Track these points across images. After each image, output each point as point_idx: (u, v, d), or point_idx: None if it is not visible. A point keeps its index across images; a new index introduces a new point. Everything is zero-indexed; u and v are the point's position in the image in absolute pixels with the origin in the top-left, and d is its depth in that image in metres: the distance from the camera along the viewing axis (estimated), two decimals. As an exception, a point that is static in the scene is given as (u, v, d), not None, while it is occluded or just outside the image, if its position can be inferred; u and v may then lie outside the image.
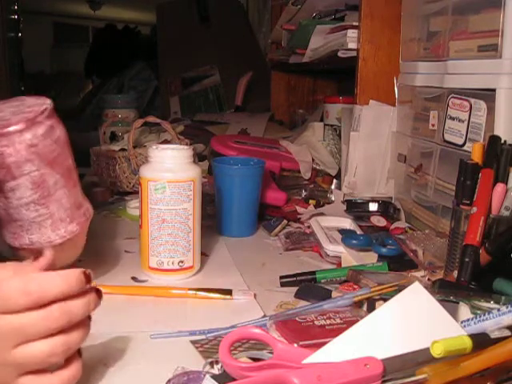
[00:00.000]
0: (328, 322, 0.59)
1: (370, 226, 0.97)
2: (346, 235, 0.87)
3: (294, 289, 0.73)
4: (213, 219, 1.01)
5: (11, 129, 0.60)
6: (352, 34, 1.16)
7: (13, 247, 0.68)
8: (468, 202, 0.69)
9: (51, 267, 0.49)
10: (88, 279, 0.47)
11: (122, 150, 1.26)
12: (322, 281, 0.75)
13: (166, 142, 1.33)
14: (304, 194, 1.21)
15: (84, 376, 0.52)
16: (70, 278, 0.46)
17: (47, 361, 0.45)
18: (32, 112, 0.62)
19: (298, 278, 0.76)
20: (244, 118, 1.73)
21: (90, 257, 0.78)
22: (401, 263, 0.79)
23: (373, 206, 0.99)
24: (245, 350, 0.55)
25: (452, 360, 0.45)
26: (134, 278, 0.77)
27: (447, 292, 0.61)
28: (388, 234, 0.90)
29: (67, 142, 0.67)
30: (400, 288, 0.59)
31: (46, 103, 0.64)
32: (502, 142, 0.71)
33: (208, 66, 2.22)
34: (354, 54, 1.15)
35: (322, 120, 1.52)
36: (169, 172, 0.75)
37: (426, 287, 0.53)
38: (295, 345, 0.53)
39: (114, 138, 1.48)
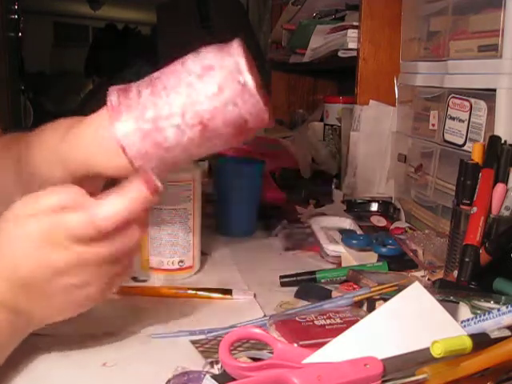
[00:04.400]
0: (328, 321, 0.59)
1: (370, 226, 0.97)
2: (346, 235, 0.87)
3: (294, 289, 0.73)
4: (213, 219, 1.00)
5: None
6: (352, 33, 1.16)
7: None
8: (468, 202, 0.69)
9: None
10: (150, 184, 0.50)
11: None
12: (322, 281, 0.75)
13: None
14: (304, 193, 1.21)
15: (83, 376, 0.53)
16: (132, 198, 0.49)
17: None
18: None
19: (298, 278, 0.75)
20: (244, 117, 1.73)
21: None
22: (401, 263, 0.79)
23: (373, 206, 0.99)
24: (245, 350, 0.55)
25: (452, 360, 0.45)
26: (134, 278, 0.77)
27: (447, 292, 0.61)
28: (388, 234, 0.90)
29: None
30: (400, 288, 0.59)
31: None
32: (503, 142, 0.71)
33: (208, 66, 2.21)
34: (354, 53, 1.15)
35: (321, 120, 1.52)
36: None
37: (425, 287, 0.53)
38: (295, 345, 0.53)
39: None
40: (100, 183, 0.60)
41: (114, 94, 0.54)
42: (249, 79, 0.52)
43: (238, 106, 0.52)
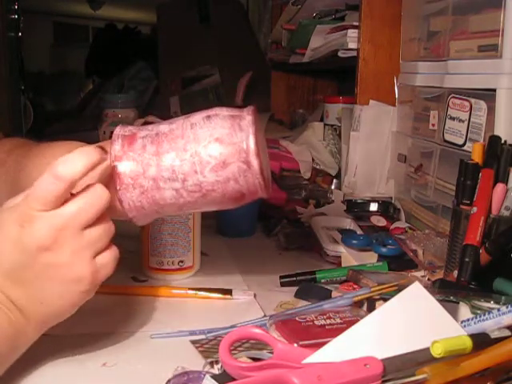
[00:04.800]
0: (328, 321, 0.59)
1: (370, 226, 0.97)
2: (346, 235, 0.87)
3: (294, 289, 0.73)
4: (213, 219, 1.00)
5: None
6: (352, 33, 1.16)
7: None
8: (468, 201, 0.69)
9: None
10: (104, 150, 0.51)
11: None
12: (322, 281, 0.75)
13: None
14: (304, 193, 1.20)
15: (83, 376, 0.53)
16: (90, 151, 0.49)
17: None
18: None
19: (298, 278, 0.75)
20: (244, 117, 1.73)
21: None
22: (401, 263, 0.79)
23: (373, 206, 0.99)
24: (245, 350, 0.55)
25: (452, 360, 0.45)
26: (134, 278, 0.77)
27: (447, 292, 0.61)
28: (388, 234, 0.90)
29: None
30: (400, 288, 0.59)
31: None
32: (502, 142, 0.71)
33: (208, 66, 2.22)
34: (354, 53, 1.15)
35: (322, 120, 1.52)
36: (169, 172, 0.75)
37: (426, 287, 0.53)
38: (295, 345, 0.53)
39: (113, 137, 1.48)
40: None
41: (117, 142, 0.54)
42: (255, 162, 0.51)
43: (238, 184, 0.52)
